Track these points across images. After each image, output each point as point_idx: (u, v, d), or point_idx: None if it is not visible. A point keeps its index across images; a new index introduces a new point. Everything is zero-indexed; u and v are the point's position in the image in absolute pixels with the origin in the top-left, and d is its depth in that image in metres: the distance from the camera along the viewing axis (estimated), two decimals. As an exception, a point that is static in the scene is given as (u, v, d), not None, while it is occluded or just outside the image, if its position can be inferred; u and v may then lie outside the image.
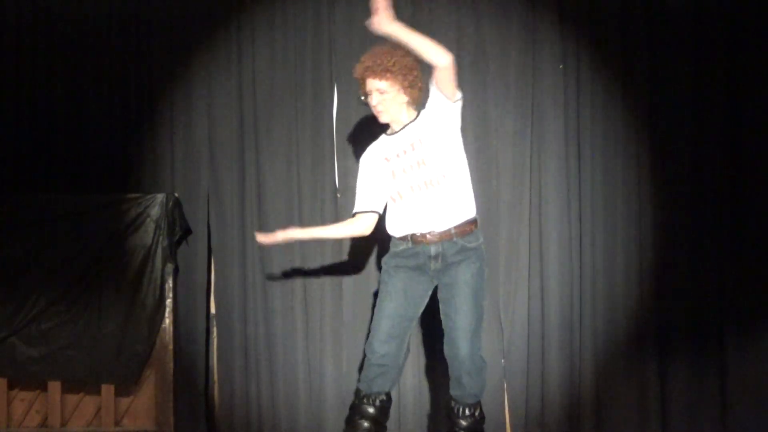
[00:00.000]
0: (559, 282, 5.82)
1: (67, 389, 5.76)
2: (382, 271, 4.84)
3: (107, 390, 5.75)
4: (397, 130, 4.76)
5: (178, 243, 5.85)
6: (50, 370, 5.68)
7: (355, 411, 4.77)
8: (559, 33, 5.86)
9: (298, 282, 5.89)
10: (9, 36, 5.94)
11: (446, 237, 4.65)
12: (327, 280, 5.89)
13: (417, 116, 4.74)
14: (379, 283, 4.91)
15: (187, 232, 5.89)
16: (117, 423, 5.78)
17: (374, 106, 4.71)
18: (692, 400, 5.85)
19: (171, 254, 5.74)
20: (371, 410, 4.74)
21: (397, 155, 4.71)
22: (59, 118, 5.94)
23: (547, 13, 5.89)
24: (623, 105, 5.88)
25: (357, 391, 4.80)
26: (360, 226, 4.90)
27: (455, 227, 4.67)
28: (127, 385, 5.76)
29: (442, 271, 4.68)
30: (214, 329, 5.93)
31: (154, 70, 5.95)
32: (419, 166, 4.66)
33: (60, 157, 5.94)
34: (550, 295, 5.82)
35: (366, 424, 4.73)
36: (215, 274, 5.95)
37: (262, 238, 4.95)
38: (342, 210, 5.88)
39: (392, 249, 4.79)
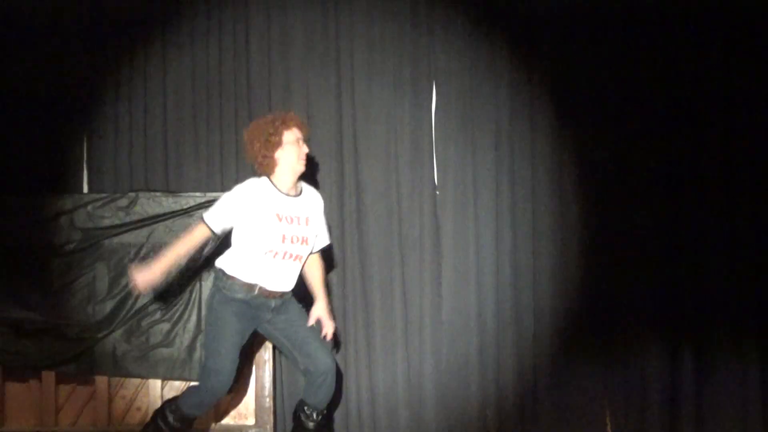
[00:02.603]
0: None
1: (165, 387, 5.78)
2: (216, 311, 4.96)
3: (207, 387, 5.77)
4: (292, 194, 5.02)
5: (278, 241, 5.83)
6: (149, 367, 5.70)
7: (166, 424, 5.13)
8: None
9: (397, 278, 5.89)
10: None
11: (286, 295, 5.07)
12: (426, 277, 5.88)
13: (302, 192, 5.07)
14: (221, 316, 4.97)
15: (287, 230, 5.87)
16: (217, 419, 5.80)
17: (305, 155, 5.03)
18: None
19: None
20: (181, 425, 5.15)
21: (290, 220, 4.97)
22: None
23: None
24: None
25: (180, 417, 5.11)
26: (202, 238, 5.05)
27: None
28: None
29: (274, 316, 5.05)
30: (314, 327, 5.93)
31: (252, 70, 5.94)
32: (301, 243, 4.99)
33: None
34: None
35: None
36: (314, 271, 5.93)
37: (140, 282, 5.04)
38: (441, 206, 5.89)
39: (229, 294, 4.96)
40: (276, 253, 4.96)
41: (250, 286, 4.97)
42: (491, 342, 5.87)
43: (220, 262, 5.04)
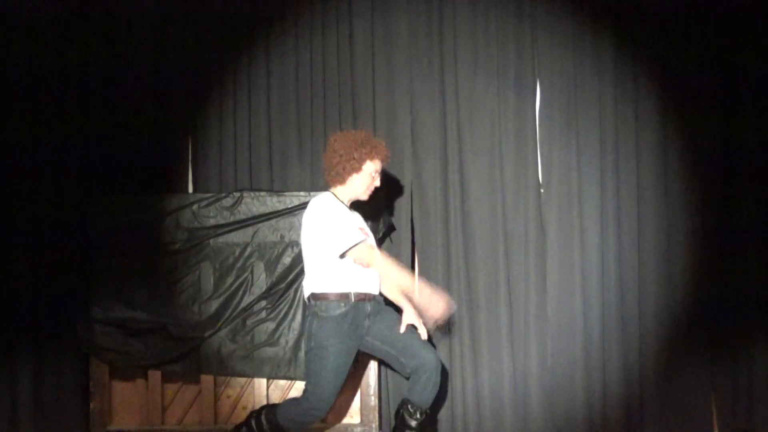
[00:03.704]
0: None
1: (270, 386, 5.80)
2: (317, 337, 5.02)
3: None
4: (352, 212, 5.21)
5: (382, 240, 5.85)
6: (254, 366, 5.72)
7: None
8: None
9: (502, 278, 5.87)
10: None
11: (378, 298, 5.20)
12: (531, 277, 5.86)
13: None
14: (321, 343, 5.02)
15: (391, 228, 5.89)
16: (322, 419, 5.80)
17: (375, 186, 5.17)
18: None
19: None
20: None
21: (366, 233, 5.17)
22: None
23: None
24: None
25: (275, 425, 5.17)
26: (373, 251, 5.16)
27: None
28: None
29: (372, 324, 5.11)
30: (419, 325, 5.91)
31: (355, 69, 5.94)
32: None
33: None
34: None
35: None
36: (419, 270, 5.96)
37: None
38: (546, 205, 5.88)
39: (326, 314, 5.02)
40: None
41: (345, 296, 5.02)
42: (597, 341, 5.83)
43: (310, 287, 5.10)
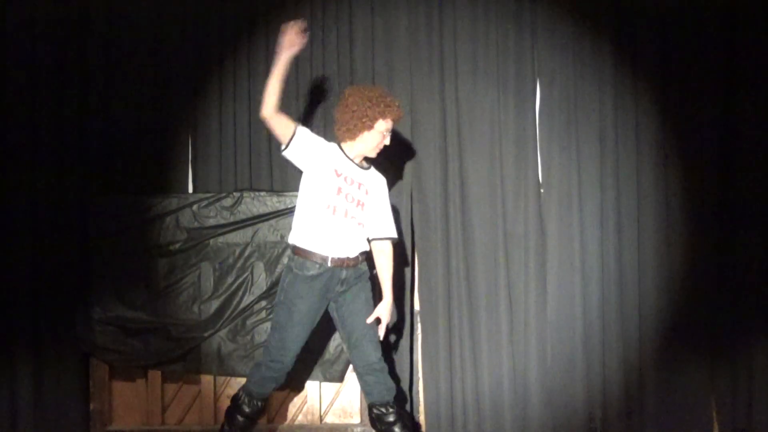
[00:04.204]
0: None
1: (271, 387, 5.81)
2: (287, 292, 5.02)
3: (312, 387, 5.81)
4: (362, 166, 5.13)
5: (382, 241, 5.84)
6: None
7: (239, 411, 5.16)
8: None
9: (502, 279, 5.86)
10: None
11: (353, 263, 5.07)
12: (531, 277, 5.86)
13: (368, 168, 5.18)
14: (290, 298, 5.02)
15: (391, 229, 5.88)
16: (322, 419, 5.81)
17: (383, 147, 5.11)
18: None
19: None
20: (251, 410, 5.17)
21: (349, 181, 5.05)
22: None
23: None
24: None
25: (247, 394, 5.14)
26: (288, 121, 5.05)
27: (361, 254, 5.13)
28: (332, 383, 5.79)
29: (343, 293, 5.08)
30: (419, 326, 5.93)
31: (355, 69, 5.94)
32: (357, 204, 5.06)
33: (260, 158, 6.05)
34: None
35: (243, 420, 5.17)
36: (419, 271, 5.96)
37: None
38: (545, 204, 5.87)
39: (300, 273, 4.99)
40: (334, 209, 4.98)
41: (323, 258, 4.99)
42: (596, 340, 5.83)
43: (292, 237, 5.07)
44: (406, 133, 5.93)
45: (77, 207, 5.93)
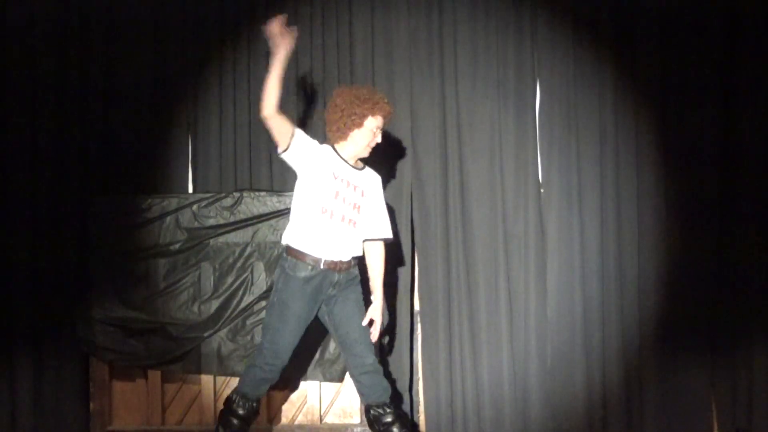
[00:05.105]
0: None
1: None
2: (280, 293, 5.01)
3: (312, 387, 5.81)
4: (357, 167, 5.12)
5: (382, 240, 5.84)
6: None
7: (234, 413, 5.11)
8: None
9: (502, 278, 5.87)
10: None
11: (345, 267, 5.07)
12: (531, 277, 5.86)
13: (363, 169, 5.17)
14: (283, 299, 5.00)
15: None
16: (321, 419, 5.81)
17: (376, 143, 5.11)
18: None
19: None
20: (246, 412, 5.12)
21: (345, 183, 5.05)
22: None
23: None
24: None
25: (241, 396, 5.10)
26: (287, 122, 5.00)
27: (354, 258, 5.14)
28: (332, 383, 5.79)
29: (334, 296, 5.07)
30: (419, 326, 5.93)
31: (356, 70, 5.95)
32: (353, 207, 5.06)
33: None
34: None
35: (238, 422, 5.11)
36: (419, 270, 5.96)
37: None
38: (545, 205, 5.89)
39: (293, 273, 4.99)
40: (331, 213, 4.99)
41: (315, 260, 4.99)
42: (597, 340, 5.83)
43: (285, 238, 5.07)
44: (406, 134, 5.94)
45: (77, 207, 5.93)
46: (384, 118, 5.10)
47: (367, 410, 5.12)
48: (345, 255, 5.06)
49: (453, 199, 5.90)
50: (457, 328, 5.86)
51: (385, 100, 5.10)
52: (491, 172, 5.90)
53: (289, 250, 5.03)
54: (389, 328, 5.74)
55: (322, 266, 5.00)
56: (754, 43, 5.86)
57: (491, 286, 5.87)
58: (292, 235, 5.04)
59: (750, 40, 5.86)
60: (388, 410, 5.08)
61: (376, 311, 5.12)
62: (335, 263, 5.02)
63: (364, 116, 5.03)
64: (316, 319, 5.13)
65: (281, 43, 4.93)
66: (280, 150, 5.02)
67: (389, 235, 5.23)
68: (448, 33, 5.93)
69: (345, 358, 5.16)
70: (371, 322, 5.10)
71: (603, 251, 5.86)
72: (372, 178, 5.21)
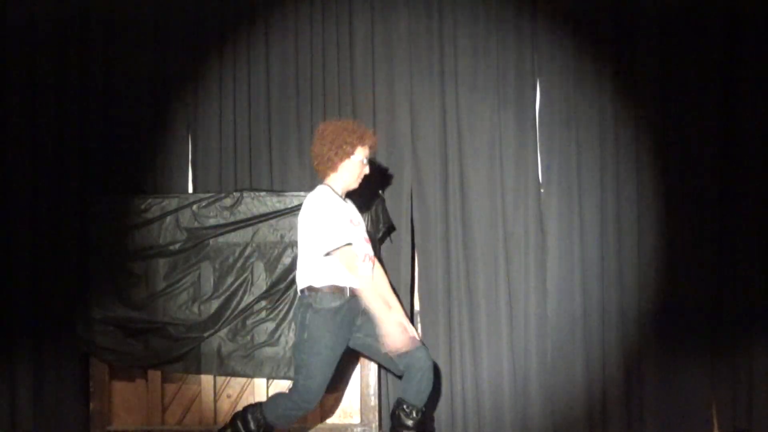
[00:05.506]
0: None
1: (271, 385, 5.80)
2: (309, 328, 5.01)
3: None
4: (347, 202, 5.20)
5: (382, 240, 5.86)
6: (254, 366, 5.71)
7: (246, 427, 5.17)
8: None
9: (502, 278, 5.87)
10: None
11: None
12: (531, 277, 5.86)
13: (347, 200, 5.24)
14: (313, 334, 5.01)
15: (391, 228, 5.90)
16: (322, 419, 5.81)
17: (365, 175, 5.19)
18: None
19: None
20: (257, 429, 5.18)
21: (357, 223, 5.16)
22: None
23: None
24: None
25: (262, 419, 5.15)
26: (355, 256, 5.07)
27: None
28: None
29: (365, 321, 5.12)
30: (419, 325, 5.93)
31: (355, 71, 5.96)
32: (368, 241, 5.21)
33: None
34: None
35: None
36: (419, 270, 5.97)
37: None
38: (545, 205, 5.88)
39: (319, 306, 5.01)
40: (367, 255, 5.10)
41: (340, 289, 5.02)
42: (596, 340, 5.84)
43: (305, 281, 5.08)
44: (406, 134, 5.94)
45: (77, 207, 5.93)
46: (371, 148, 5.18)
47: (398, 402, 5.12)
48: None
49: (453, 199, 5.90)
50: (457, 328, 5.87)
51: (370, 132, 5.18)
52: (491, 172, 5.90)
53: (310, 289, 5.06)
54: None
55: (348, 294, 5.04)
56: (754, 43, 5.86)
57: (491, 286, 5.87)
58: (312, 276, 5.05)
59: (750, 40, 5.86)
60: (415, 415, 5.09)
61: (401, 317, 5.19)
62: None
63: (354, 146, 5.09)
64: (349, 349, 5.17)
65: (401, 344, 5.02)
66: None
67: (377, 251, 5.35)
68: (448, 33, 5.93)
69: (399, 364, 5.11)
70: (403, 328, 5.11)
71: (603, 250, 5.86)
72: (352, 206, 5.27)
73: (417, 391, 5.09)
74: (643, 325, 5.84)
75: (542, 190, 5.91)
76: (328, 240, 4.99)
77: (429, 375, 5.08)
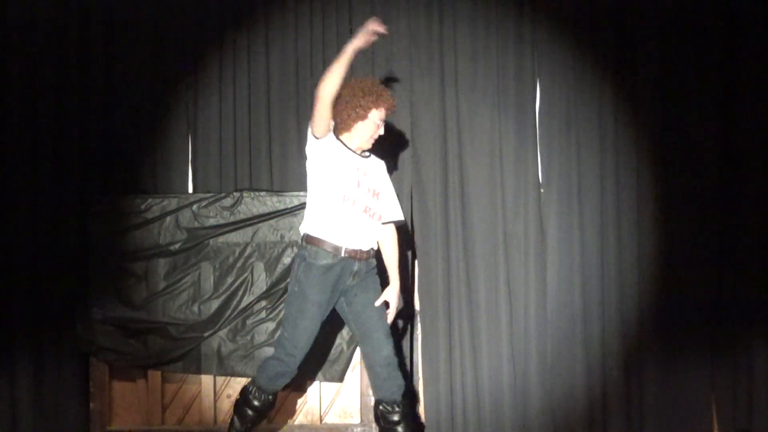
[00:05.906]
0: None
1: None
2: (300, 282, 5.00)
3: (312, 387, 5.81)
4: (363, 156, 5.14)
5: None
6: (254, 366, 5.68)
7: (249, 404, 5.16)
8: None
9: (502, 278, 5.87)
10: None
11: (365, 256, 5.08)
12: (531, 277, 5.87)
13: (369, 156, 5.18)
14: (303, 288, 5.00)
15: (391, 228, 5.88)
16: (321, 419, 5.81)
17: (380, 135, 5.12)
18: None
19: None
20: (261, 404, 5.17)
21: (363, 173, 5.09)
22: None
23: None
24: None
25: (257, 388, 5.14)
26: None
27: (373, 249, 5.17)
28: (332, 383, 5.79)
29: (354, 286, 5.08)
30: (419, 325, 5.93)
31: (356, 72, 5.93)
32: (373, 195, 5.11)
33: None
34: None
35: (253, 414, 5.18)
36: (419, 270, 5.98)
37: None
38: (545, 205, 5.89)
39: (313, 261, 4.99)
40: (354, 201, 5.02)
41: (336, 248, 5.01)
42: (596, 340, 5.85)
43: (304, 227, 5.08)
44: (406, 134, 5.94)
45: (77, 207, 5.93)
46: (387, 110, 5.12)
47: (376, 405, 5.12)
48: (365, 244, 5.08)
49: (453, 199, 5.90)
50: (457, 328, 5.87)
51: (389, 93, 5.12)
52: (491, 173, 5.91)
53: (308, 238, 5.05)
54: (395, 326, 5.74)
55: (342, 254, 5.02)
56: (754, 43, 5.86)
57: (491, 286, 5.88)
58: (311, 224, 5.06)
59: (750, 40, 5.87)
60: (397, 409, 5.08)
61: (392, 293, 5.14)
62: (355, 252, 5.04)
63: (368, 108, 5.05)
64: (332, 312, 5.13)
65: (367, 38, 4.95)
66: (316, 135, 5.01)
67: (401, 217, 5.26)
68: (448, 33, 5.94)
69: (362, 349, 5.16)
70: (386, 305, 5.11)
71: (603, 250, 5.87)
72: (378, 164, 5.24)
73: (387, 387, 5.07)
74: (643, 325, 5.85)
75: (542, 191, 5.92)
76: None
77: (393, 370, 5.06)
